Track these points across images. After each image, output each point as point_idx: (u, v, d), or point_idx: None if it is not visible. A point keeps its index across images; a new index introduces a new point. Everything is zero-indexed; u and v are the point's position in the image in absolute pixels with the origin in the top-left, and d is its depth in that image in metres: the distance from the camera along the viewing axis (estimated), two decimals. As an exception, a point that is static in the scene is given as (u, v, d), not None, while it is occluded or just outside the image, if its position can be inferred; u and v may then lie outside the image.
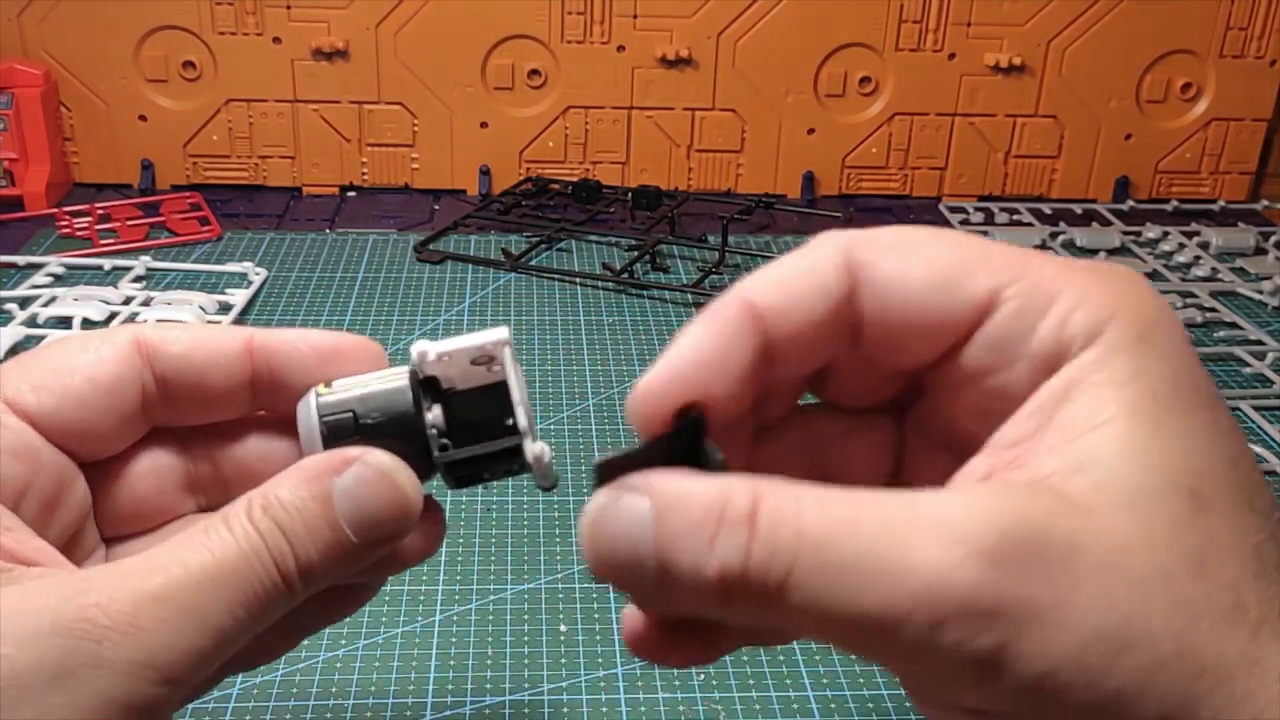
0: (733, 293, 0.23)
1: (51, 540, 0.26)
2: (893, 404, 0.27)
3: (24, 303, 0.75)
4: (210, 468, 0.29)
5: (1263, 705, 0.20)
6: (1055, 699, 0.19)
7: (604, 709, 0.46)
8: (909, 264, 0.23)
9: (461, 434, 0.27)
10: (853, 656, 0.29)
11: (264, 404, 0.28)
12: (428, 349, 0.27)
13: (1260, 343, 0.78)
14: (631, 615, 0.25)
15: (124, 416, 0.27)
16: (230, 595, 0.23)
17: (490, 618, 0.50)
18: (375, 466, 0.25)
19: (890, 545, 0.19)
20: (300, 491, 0.25)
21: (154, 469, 0.29)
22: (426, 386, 0.27)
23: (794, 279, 0.23)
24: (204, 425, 0.29)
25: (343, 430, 0.26)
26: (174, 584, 0.23)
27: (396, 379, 0.27)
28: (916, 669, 0.21)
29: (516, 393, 0.27)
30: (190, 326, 0.28)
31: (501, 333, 0.27)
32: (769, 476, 0.21)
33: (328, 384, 0.27)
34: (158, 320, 0.29)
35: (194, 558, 0.23)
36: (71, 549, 0.27)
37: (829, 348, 0.24)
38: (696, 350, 0.23)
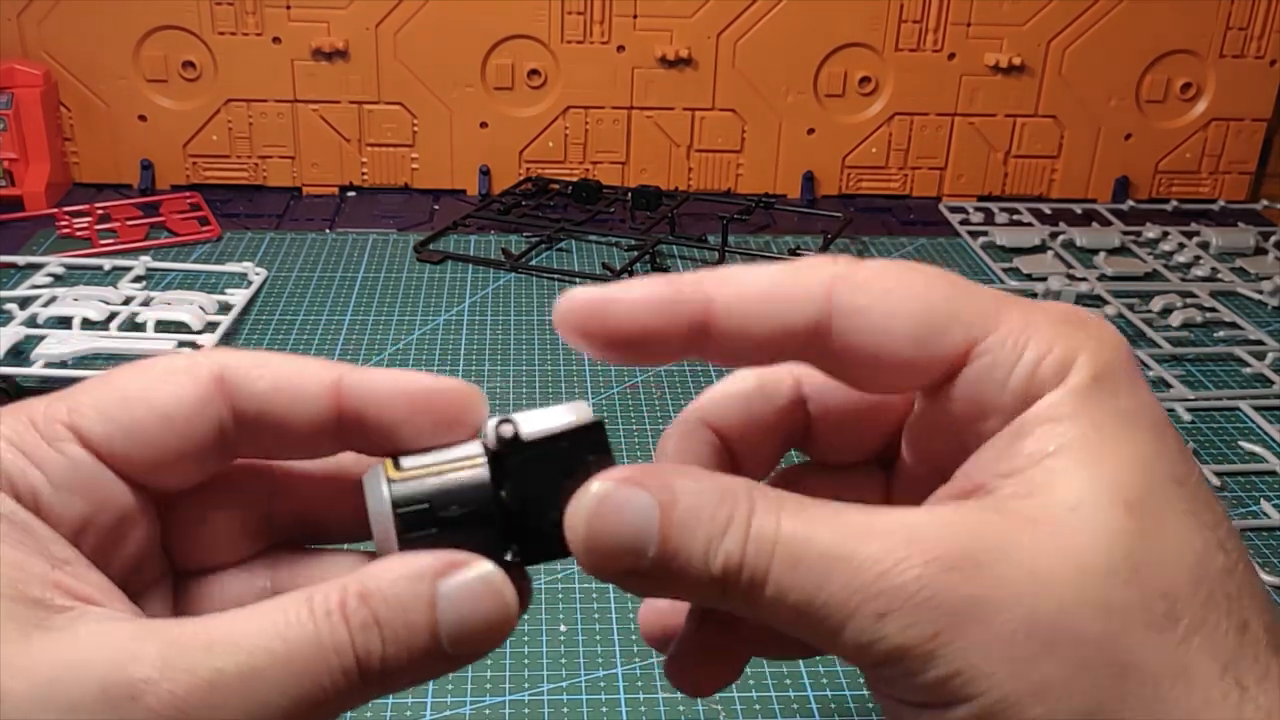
0: (702, 285, 0.24)
1: (113, 572, 0.25)
2: (879, 459, 0.29)
3: (24, 303, 0.75)
4: (290, 507, 0.28)
5: (1187, 712, 0.21)
6: (983, 691, 0.21)
7: (604, 709, 0.46)
8: (888, 311, 0.24)
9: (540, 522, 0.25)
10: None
11: (351, 446, 0.27)
12: (511, 428, 0.25)
13: (1260, 343, 0.78)
14: (673, 651, 0.27)
15: (196, 454, 0.25)
16: (294, 690, 0.21)
17: (490, 618, 0.50)
18: (485, 580, 0.23)
19: (848, 545, 0.22)
20: (402, 589, 0.23)
21: (230, 506, 0.27)
22: (502, 469, 0.25)
23: (766, 299, 0.24)
24: (287, 464, 0.28)
25: (419, 521, 0.24)
26: (233, 670, 0.21)
27: (474, 464, 0.25)
28: (868, 661, 0.22)
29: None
30: (277, 361, 0.26)
31: (586, 412, 0.25)
32: (756, 482, 0.23)
33: (396, 463, 0.25)
34: (246, 351, 0.26)
35: (262, 642, 0.22)
36: (133, 579, 0.26)
37: (780, 357, 0.25)
38: (633, 296, 0.24)
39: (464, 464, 0.25)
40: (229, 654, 0.21)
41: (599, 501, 0.23)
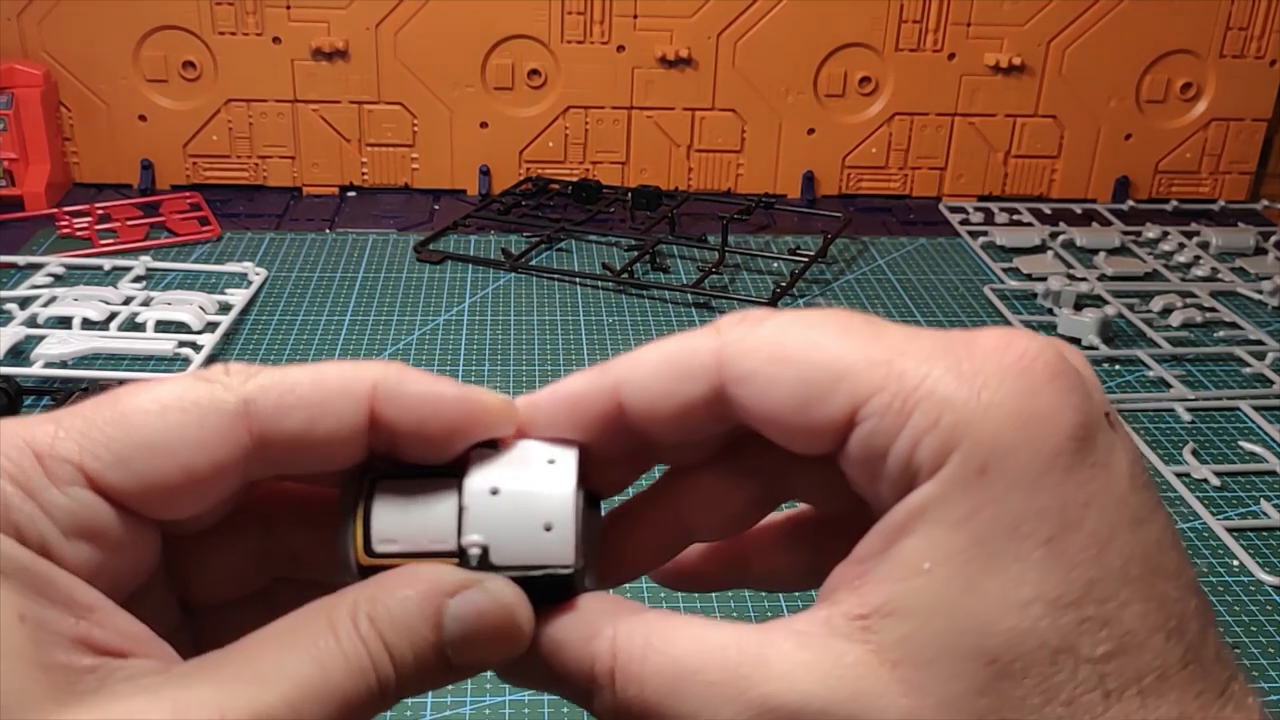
0: (610, 371, 0.25)
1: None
2: None
3: (24, 303, 0.75)
4: (286, 545, 0.28)
5: None
6: None
7: (604, 709, 0.46)
8: (770, 377, 0.23)
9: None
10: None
11: (374, 451, 0.26)
12: (479, 551, 0.24)
13: (1260, 343, 0.78)
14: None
15: (218, 504, 0.25)
16: (334, 713, 0.22)
17: (490, 618, 0.50)
18: (495, 598, 0.23)
19: (706, 708, 0.22)
20: (411, 609, 0.23)
21: (230, 542, 0.27)
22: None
23: (662, 376, 0.24)
24: (283, 503, 0.27)
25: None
26: (283, 706, 0.21)
27: (448, 564, 0.24)
28: None
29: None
30: (307, 387, 0.24)
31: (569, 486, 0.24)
32: (627, 608, 0.24)
33: (368, 539, 0.24)
34: (273, 370, 0.25)
35: (303, 673, 0.22)
36: (148, 618, 0.25)
37: (701, 429, 0.25)
38: (568, 404, 0.25)
39: (437, 561, 0.24)
40: (278, 688, 0.21)
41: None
